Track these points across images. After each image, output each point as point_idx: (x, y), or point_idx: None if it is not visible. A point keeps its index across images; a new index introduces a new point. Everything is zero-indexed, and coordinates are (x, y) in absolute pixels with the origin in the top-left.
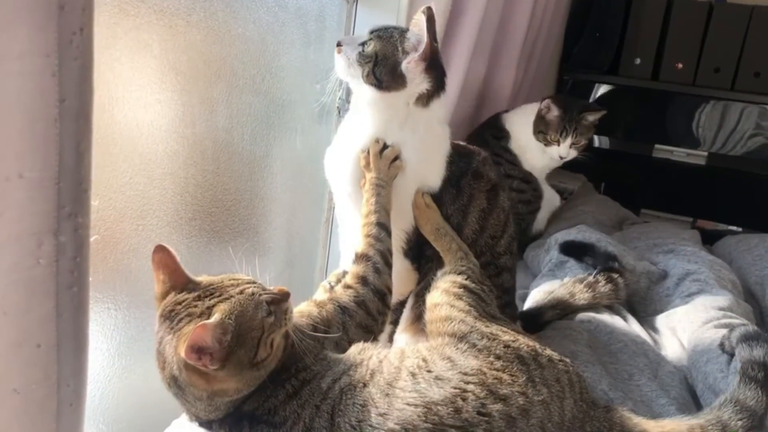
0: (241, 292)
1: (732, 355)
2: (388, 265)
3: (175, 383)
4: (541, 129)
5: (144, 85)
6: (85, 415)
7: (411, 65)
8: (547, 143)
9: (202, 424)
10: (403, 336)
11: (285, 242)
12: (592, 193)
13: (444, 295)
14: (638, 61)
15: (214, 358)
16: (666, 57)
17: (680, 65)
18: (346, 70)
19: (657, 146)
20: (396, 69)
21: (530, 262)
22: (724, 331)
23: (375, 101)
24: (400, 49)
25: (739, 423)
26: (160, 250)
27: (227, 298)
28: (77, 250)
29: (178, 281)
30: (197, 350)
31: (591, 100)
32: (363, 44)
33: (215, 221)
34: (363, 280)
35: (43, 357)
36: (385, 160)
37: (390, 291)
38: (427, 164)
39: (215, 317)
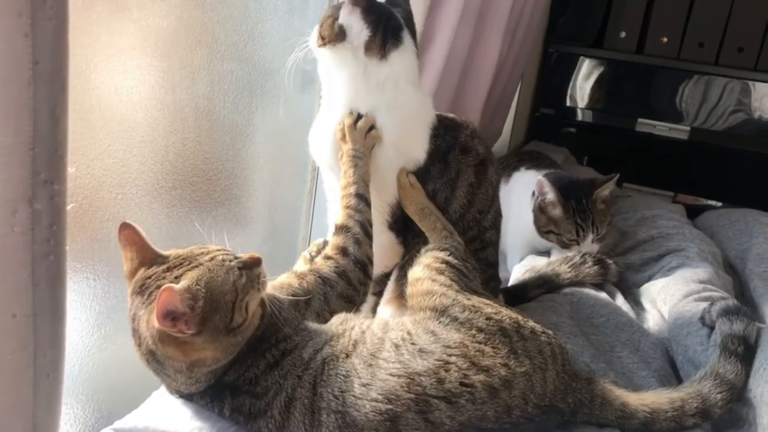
0: (211, 259)
1: (712, 329)
2: (368, 235)
3: (153, 358)
4: (550, 229)
5: (122, 49)
6: (63, 386)
7: (345, 12)
8: (564, 245)
9: (183, 396)
10: (387, 309)
11: (267, 213)
12: (580, 168)
13: (426, 270)
14: (623, 34)
15: (189, 323)
16: (651, 31)
17: (665, 39)
18: (314, 43)
19: (640, 120)
20: (334, 22)
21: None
22: (705, 304)
23: (328, 61)
24: (341, 7)
25: (719, 396)
26: (125, 227)
27: (196, 266)
28: (53, 218)
29: (146, 257)
30: (170, 316)
31: (575, 73)
32: None
33: (196, 191)
34: (343, 251)
35: (19, 327)
36: (359, 130)
37: (371, 261)
38: (406, 134)
39: (182, 283)
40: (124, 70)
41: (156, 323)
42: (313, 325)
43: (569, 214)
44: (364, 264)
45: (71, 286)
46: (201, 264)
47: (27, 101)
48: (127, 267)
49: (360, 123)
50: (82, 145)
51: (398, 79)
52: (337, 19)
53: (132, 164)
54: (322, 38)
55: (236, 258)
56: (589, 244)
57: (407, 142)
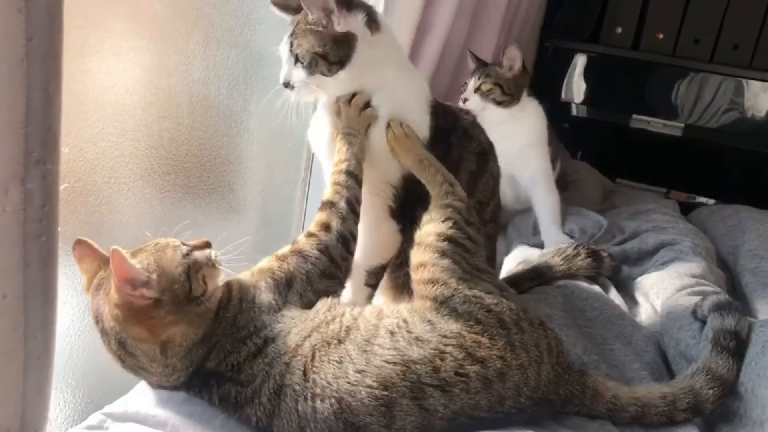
0: (156, 244)
1: (704, 322)
2: (354, 213)
3: (124, 351)
4: None
5: (117, 32)
6: (53, 369)
7: (342, 20)
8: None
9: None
10: (381, 298)
11: (261, 201)
12: (574, 162)
13: (428, 253)
14: (619, 30)
15: (149, 287)
16: (647, 27)
17: (661, 35)
18: (310, 89)
19: (634, 116)
20: (337, 38)
21: (510, 231)
22: (697, 298)
23: (349, 74)
24: (320, 29)
25: (711, 392)
26: (78, 244)
27: (143, 251)
28: (46, 198)
29: (101, 263)
30: (130, 283)
31: (570, 68)
32: (296, 58)
33: (190, 176)
34: (326, 226)
35: (10, 308)
36: (354, 107)
37: (354, 238)
38: (405, 109)
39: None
40: (118, 52)
41: (116, 296)
42: (297, 311)
43: (475, 69)
44: (346, 239)
45: (62, 270)
46: (147, 249)
47: (20, 79)
48: (85, 279)
49: (355, 99)
50: (75, 128)
51: (393, 39)
52: (335, 33)
53: (125, 148)
54: (338, 62)
55: (184, 244)
56: (470, 91)
57: (406, 118)
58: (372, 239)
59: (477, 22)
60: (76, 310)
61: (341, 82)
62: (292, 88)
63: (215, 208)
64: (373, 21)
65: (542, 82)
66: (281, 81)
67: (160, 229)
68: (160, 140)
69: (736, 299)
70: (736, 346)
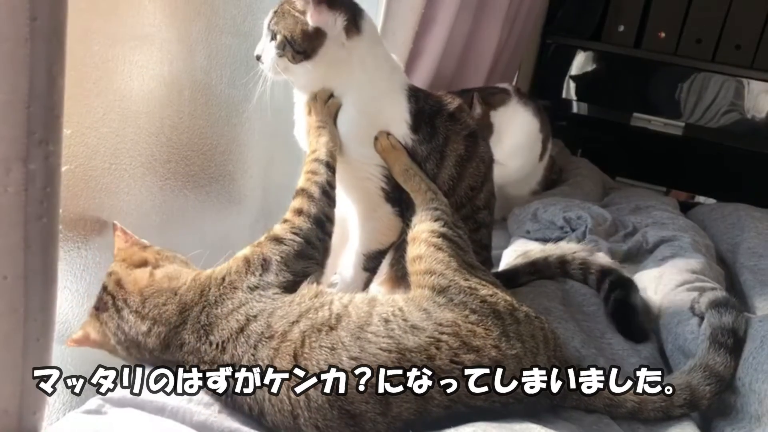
0: None
1: (702, 318)
2: (328, 196)
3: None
4: None
5: (120, 17)
6: (53, 352)
7: (314, 16)
8: None
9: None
10: (379, 289)
11: (261, 191)
12: (574, 159)
13: (424, 246)
14: (621, 28)
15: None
16: (649, 25)
17: (663, 34)
18: (277, 70)
19: (635, 115)
20: (307, 32)
21: (510, 223)
22: (696, 294)
23: (315, 68)
24: (297, 15)
25: (707, 388)
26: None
27: None
28: (47, 179)
29: None
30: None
31: (571, 65)
32: (272, 35)
33: (190, 165)
34: (299, 211)
35: (10, 289)
36: (319, 100)
37: (330, 220)
38: (372, 98)
39: None
40: (122, 38)
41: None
42: (278, 293)
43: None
44: (321, 221)
45: (61, 255)
46: None
47: (24, 59)
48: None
49: (318, 92)
50: (76, 112)
51: (373, 45)
52: (306, 26)
53: (127, 135)
54: (302, 51)
55: None
56: None
57: (377, 104)
58: (369, 224)
59: (479, 18)
60: (75, 296)
61: (307, 73)
62: (263, 63)
63: (215, 197)
64: (354, 25)
65: (543, 79)
66: (256, 52)
67: (160, 219)
68: (161, 128)
69: (735, 296)
70: (733, 342)
